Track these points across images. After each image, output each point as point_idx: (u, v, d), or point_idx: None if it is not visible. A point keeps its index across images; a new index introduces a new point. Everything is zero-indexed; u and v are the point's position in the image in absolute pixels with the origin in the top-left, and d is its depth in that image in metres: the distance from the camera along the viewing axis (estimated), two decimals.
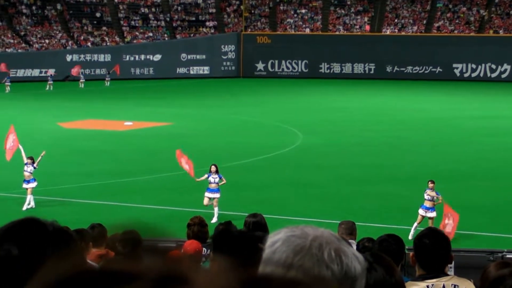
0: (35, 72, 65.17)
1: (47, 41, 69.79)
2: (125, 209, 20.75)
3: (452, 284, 4.49)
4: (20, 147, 22.40)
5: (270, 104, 48.20)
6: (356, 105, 47.42)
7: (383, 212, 20.45)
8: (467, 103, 49.76)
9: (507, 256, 11.77)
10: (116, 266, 1.06)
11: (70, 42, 70.49)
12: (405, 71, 69.18)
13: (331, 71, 70.85)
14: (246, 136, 34.49)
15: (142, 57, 69.46)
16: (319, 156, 29.47)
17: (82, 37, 71.39)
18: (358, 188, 23.32)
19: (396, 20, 74.53)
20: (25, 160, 21.36)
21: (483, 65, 68.00)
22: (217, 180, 20.18)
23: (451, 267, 4.81)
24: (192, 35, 74.62)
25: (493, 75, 68.04)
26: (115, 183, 24.16)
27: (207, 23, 75.52)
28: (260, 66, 71.89)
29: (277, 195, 22.30)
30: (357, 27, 74.55)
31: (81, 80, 61.24)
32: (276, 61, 71.48)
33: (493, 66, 67.95)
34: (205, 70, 71.31)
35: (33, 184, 21.08)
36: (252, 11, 76.59)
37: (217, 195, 20.06)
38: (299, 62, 71.21)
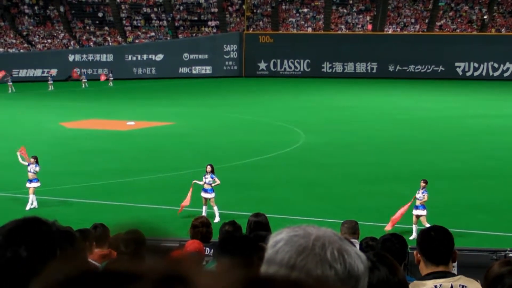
0: (38, 72, 65.22)
1: (49, 41, 69.86)
2: (127, 209, 20.76)
3: (460, 285, 4.48)
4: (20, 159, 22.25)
5: (272, 104, 48.20)
6: (358, 104, 47.40)
7: (387, 211, 20.43)
8: (470, 102, 49.73)
9: (510, 255, 11.75)
10: (119, 266, 1.06)
11: (72, 42, 70.54)
12: (407, 70, 69.15)
13: (333, 71, 70.83)
14: (248, 135, 34.49)
15: (144, 57, 69.48)
16: (321, 155, 29.47)
17: (84, 37, 71.44)
18: (361, 187, 23.30)
19: (398, 19, 74.48)
20: (27, 162, 21.38)
21: (485, 64, 67.97)
22: (210, 180, 20.14)
23: (454, 266, 4.79)
24: (194, 34, 74.63)
25: (496, 74, 67.99)
26: (117, 183, 24.17)
27: (209, 23, 75.54)
28: (262, 65, 71.89)
29: (280, 195, 22.30)
30: (359, 26, 74.51)
31: (83, 80, 61.33)
32: (278, 61, 71.47)
33: (496, 65, 67.90)
34: (207, 69, 71.31)
35: (36, 184, 21.10)
36: (254, 11, 76.59)
37: (211, 195, 20.04)
38: (301, 61, 71.20)
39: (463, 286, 4.48)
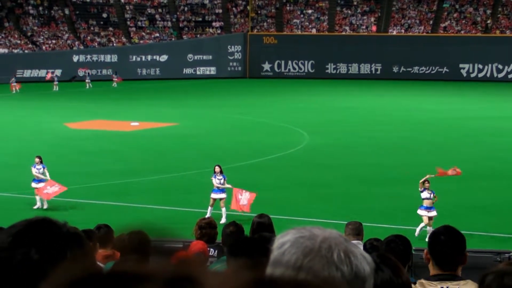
0: (42, 73, 65.30)
1: (53, 41, 69.95)
2: (131, 209, 20.76)
3: None
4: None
5: (276, 105, 48.18)
6: (362, 106, 47.36)
7: (391, 212, 20.40)
8: (474, 103, 49.66)
9: None
10: (127, 267, 1.06)
11: (76, 43, 70.64)
12: (412, 72, 69.10)
13: (338, 72, 70.80)
14: (252, 136, 34.48)
15: (149, 57, 69.54)
16: (325, 156, 29.45)
17: (88, 38, 71.53)
18: (365, 188, 23.27)
19: (402, 21, 74.43)
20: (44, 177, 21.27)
21: (489, 65, 67.87)
22: (222, 181, 20.15)
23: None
24: (198, 35, 74.67)
25: (500, 75, 67.89)
26: (121, 184, 24.18)
27: (214, 24, 75.56)
28: (266, 66, 71.89)
29: (284, 196, 22.27)
30: (364, 27, 74.48)
31: (87, 81, 61.40)
32: (283, 62, 71.47)
33: (500, 66, 67.80)
34: (211, 70, 71.34)
35: (41, 185, 21.11)
36: (259, 12, 76.59)
37: (223, 195, 20.04)
38: (306, 62, 71.19)
39: None
